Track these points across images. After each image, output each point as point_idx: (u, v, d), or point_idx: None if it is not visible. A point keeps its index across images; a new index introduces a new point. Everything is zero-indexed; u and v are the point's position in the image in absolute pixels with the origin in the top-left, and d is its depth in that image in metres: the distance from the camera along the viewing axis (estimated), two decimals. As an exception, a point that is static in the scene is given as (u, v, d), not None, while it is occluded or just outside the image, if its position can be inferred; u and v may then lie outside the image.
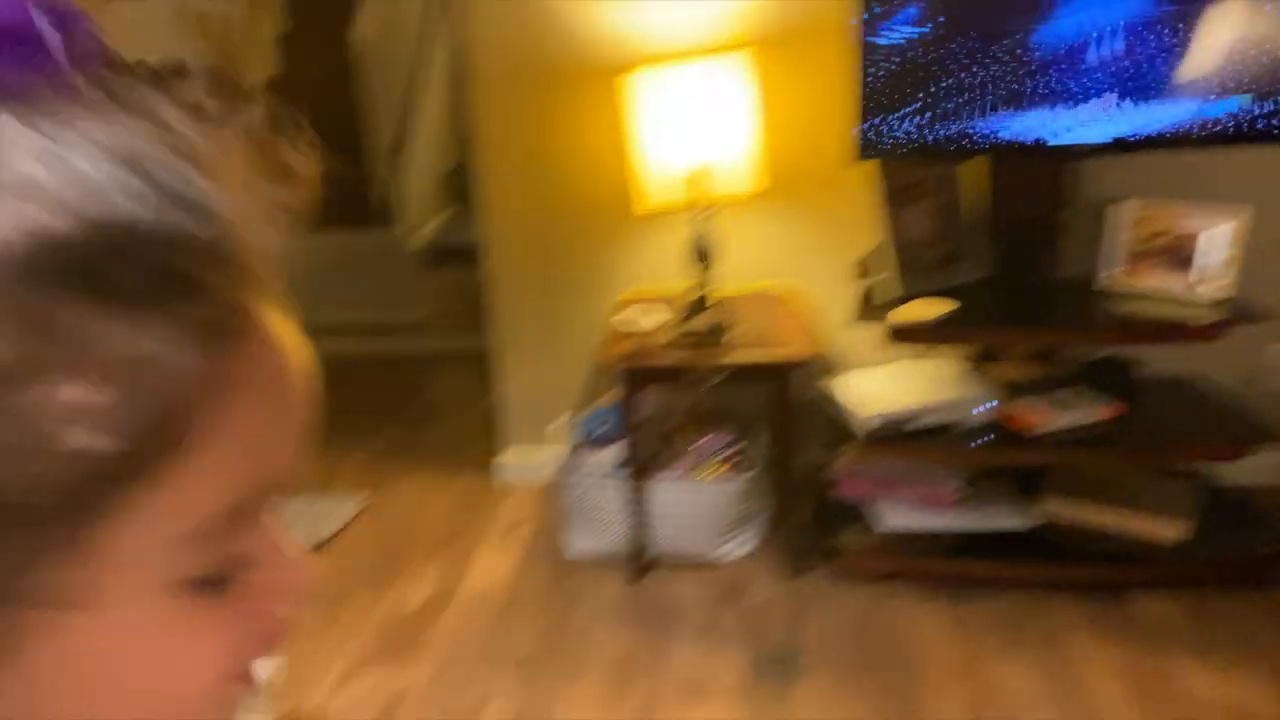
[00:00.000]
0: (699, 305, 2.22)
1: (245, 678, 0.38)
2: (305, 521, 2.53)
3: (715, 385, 2.17)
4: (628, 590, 2.27)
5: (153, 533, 0.31)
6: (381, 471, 2.89)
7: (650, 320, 2.30)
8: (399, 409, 3.37)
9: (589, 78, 2.45)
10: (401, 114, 4.62)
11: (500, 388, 2.75)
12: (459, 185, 5.18)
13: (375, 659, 2.08)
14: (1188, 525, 2.15)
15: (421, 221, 4.89)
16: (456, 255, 4.68)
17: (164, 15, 3.39)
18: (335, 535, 2.54)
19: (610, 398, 2.48)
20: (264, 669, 0.49)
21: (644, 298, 2.52)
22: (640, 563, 2.31)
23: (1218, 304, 2.07)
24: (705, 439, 2.36)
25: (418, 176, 4.93)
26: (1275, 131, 1.99)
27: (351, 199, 4.17)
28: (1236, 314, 2.03)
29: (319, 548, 2.47)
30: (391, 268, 3.97)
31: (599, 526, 2.35)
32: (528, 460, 2.77)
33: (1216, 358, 2.41)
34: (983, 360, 2.39)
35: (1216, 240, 2.09)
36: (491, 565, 2.40)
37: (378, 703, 1.95)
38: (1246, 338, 2.40)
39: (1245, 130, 2.00)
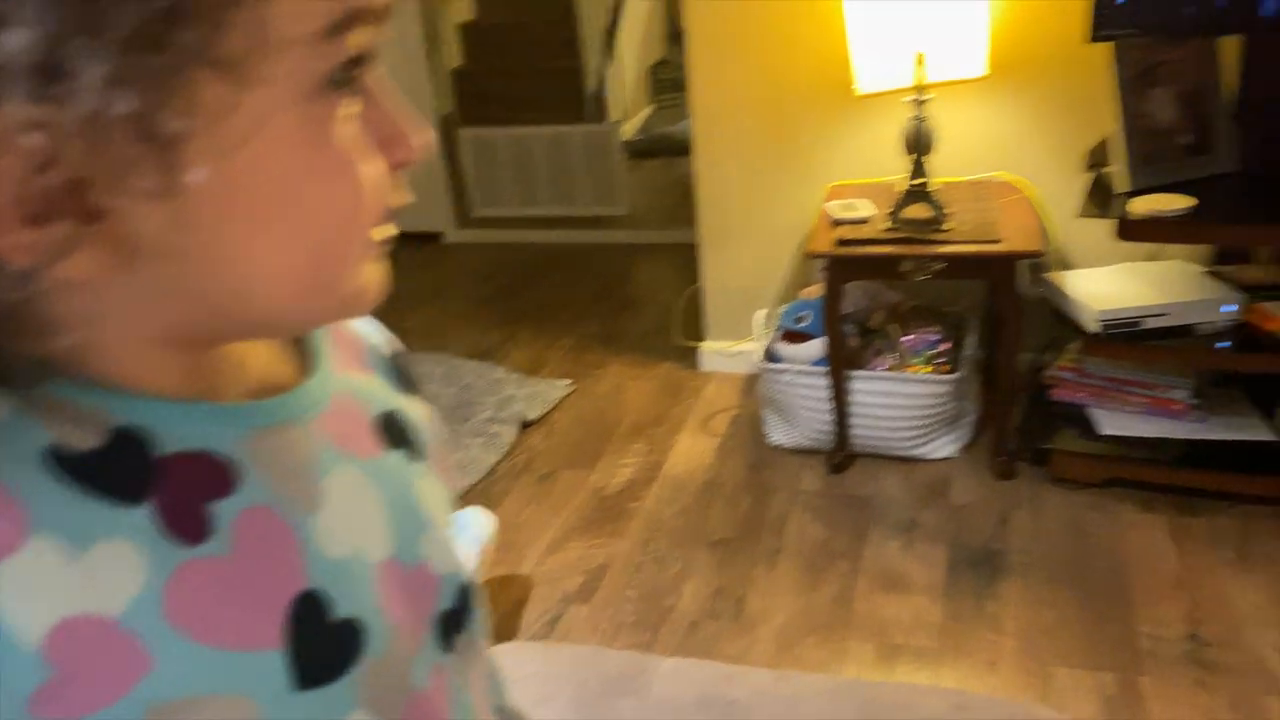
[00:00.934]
0: (915, 194, 2.14)
1: (384, 222, 0.44)
2: (516, 403, 2.67)
3: (927, 279, 2.10)
4: (827, 482, 2.28)
5: (284, 27, 0.36)
6: (587, 358, 2.99)
7: (861, 209, 2.24)
8: (604, 299, 3.46)
9: (805, -43, 2.36)
10: (614, 4, 4.59)
11: (704, 278, 2.77)
12: (665, 78, 5.16)
13: (581, 532, 2.19)
14: None
15: (629, 115, 4.91)
16: (661, 149, 4.70)
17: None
18: (543, 417, 2.66)
19: (814, 290, 2.45)
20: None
21: (856, 187, 2.45)
22: (840, 456, 2.30)
23: None
24: (913, 335, 2.30)
25: (626, 69, 4.93)
26: None
27: (566, 91, 4.22)
28: None
29: (527, 427, 2.60)
30: (601, 161, 4.02)
31: (799, 419, 2.35)
32: (729, 350, 2.79)
33: None
34: (1221, 262, 2.20)
35: None
36: (692, 450, 2.46)
37: (583, 572, 2.06)
38: None
39: None
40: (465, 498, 2.28)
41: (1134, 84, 2.04)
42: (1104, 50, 2.02)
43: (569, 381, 2.83)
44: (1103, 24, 1.97)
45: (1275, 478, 1.99)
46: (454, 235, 4.15)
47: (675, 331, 3.02)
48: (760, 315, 2.51)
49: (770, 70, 2.49)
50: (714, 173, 2.63)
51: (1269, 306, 1.99)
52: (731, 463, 2.39)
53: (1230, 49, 2.09)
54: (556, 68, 4.20)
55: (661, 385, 2.80)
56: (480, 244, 4.09)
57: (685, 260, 3.23)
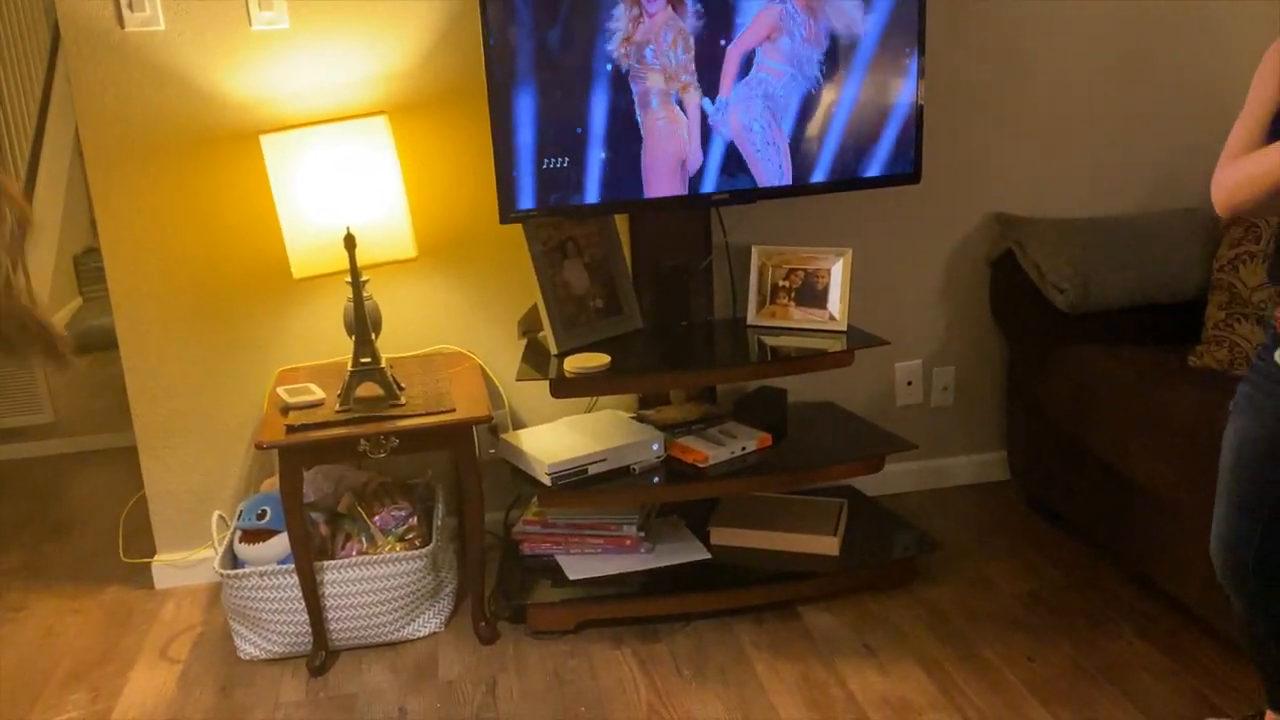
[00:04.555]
0: (363, 373, 2.13)
1: None
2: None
3: (387, 455, 2.08)
4: (309, 688, 2.10)
5: None
6: (5, 600, 2.51)
7: (312, 393, 2.17)
8: (28, 524, 2.96)
9: (221, 144, 2.30)
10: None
11: (149, 484, 2.49)
12: (93, 267, 4.72)
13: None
14: (841, 539, 2.33)
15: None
16: (93, 344, 4.23)
17: None
18: (-51, 681, 2.16)
19: (273, 482, 2.31)
20: None
21: (307, 370, 2.39)
22: (321, 656, 2.15)
23: (846, 333, 2.28)
24: (381, 514, 2.25)
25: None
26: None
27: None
28: (864, 340, 2.25)
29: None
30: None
31: (270, 625, 2.17)
32: (185, 561, 2.52)
33: (852, 380, 2.66)
34: (644, 406, 2.48)
35: (836, 277, 2.31)
36: (149, 686, 2.14)
37: None
38: (875, 360, 2.68)
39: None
40: None
41: (549, 257, 2.25)
42: (519, 229, 2.21)
43: (-23, 634, 2.34)
44: (508, 208, 2.16)
45: (715, 593, 2.23)
46: None
47: (120, 549, 2.66)
48: (216, 517, 2.31)
49: (201, 257, 2.37)
50: (145, 367, 2.41)
51: (686, 441, 2.27)
52: (198, 691, 2.12)
53: (623, 223, 2.41)
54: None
55: (107, 616, 2.42)
56: None
57: (131, 466, 2.90)
